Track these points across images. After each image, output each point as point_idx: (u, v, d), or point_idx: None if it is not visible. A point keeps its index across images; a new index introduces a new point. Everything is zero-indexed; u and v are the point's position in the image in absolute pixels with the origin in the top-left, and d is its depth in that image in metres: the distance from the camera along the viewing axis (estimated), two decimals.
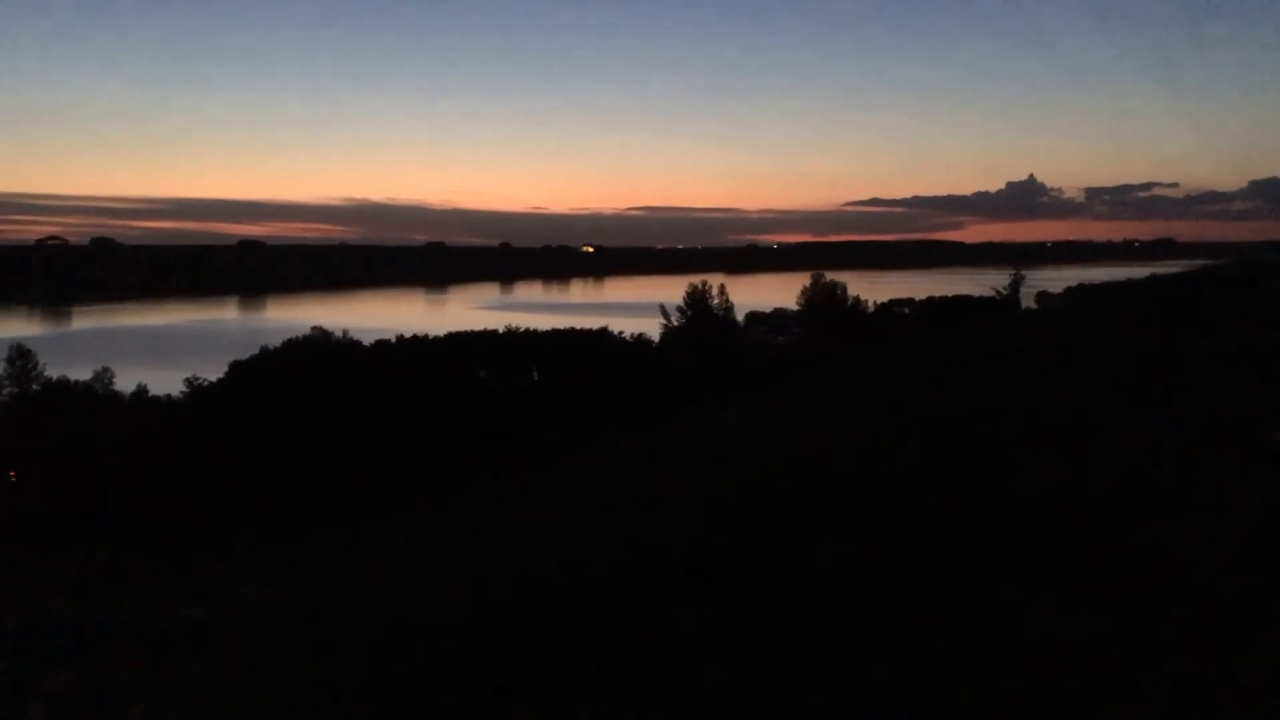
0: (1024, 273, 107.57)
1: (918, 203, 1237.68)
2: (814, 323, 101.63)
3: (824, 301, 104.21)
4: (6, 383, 71.53)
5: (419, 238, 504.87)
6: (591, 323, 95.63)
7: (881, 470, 10.31)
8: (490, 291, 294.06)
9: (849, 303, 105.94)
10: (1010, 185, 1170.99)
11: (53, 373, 72.25)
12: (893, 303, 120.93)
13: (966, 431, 11.11)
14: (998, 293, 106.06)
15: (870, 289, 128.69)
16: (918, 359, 22.60)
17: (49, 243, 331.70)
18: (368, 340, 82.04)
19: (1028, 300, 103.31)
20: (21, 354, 73.01)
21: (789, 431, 16.64)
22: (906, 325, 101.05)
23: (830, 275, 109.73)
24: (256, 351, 74.18)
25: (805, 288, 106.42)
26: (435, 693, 6.93)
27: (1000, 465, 9.32)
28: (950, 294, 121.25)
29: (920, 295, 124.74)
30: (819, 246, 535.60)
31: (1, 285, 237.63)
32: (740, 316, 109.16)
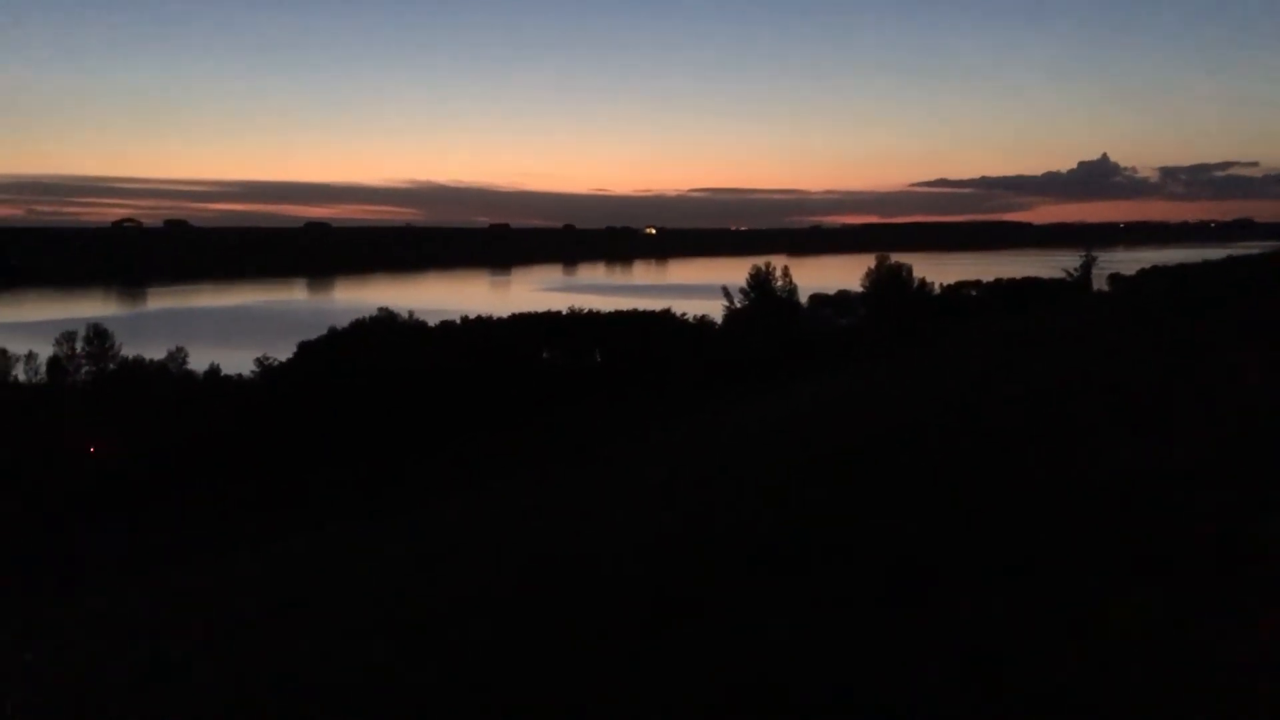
0: (1095, 254, 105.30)
1: (986, 183, 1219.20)
2: (879, 305, 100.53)
3: (889, 283, 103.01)
4: (85, 362, 73.47)
5: (483, 219, 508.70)
6: (654, 304, 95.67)
7: (956, 450, 10.15)
8: (553, 273, 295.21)
9: (915, 285, 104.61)
10: (1082, 165, 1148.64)
11: (129, 352, 74.04)
12: (960, 284, 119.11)
13: (1037, 412, 10.90)
14: (1069, 274, 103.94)
15: (936, 271, 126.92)
16: (986, 340, 22.26)
17: (125, 225, 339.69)
18: (433, 321, 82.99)
19: (1099, 282, 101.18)
20: (99, 334, 74.93)
21: (853, 413, 16.48)
22: (974, 307, 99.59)
23: (895, 257, 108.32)
24: (324, 332, 75.39)
25: (870, 269, 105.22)
26: (495, 665, 6.96)
27: (1080, 445, 9.12)
28: (1019, 276, 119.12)
29: (988, 277, 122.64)
30: (884, 228, 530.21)
31: (79, 266, 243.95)
32: (804, 298, 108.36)
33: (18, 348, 73.67)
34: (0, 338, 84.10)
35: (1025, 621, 5.72)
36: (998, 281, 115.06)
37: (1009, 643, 5.51)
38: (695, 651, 6.29)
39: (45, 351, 73.88)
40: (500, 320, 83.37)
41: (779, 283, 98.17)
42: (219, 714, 7.93)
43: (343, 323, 78.60)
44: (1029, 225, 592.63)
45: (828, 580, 7.02)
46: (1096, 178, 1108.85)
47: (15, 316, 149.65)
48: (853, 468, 10.68)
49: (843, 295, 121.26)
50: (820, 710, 5.23)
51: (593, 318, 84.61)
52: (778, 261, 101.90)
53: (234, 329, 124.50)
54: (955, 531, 7.50)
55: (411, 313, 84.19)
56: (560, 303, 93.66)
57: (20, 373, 71.42)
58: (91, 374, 71.70)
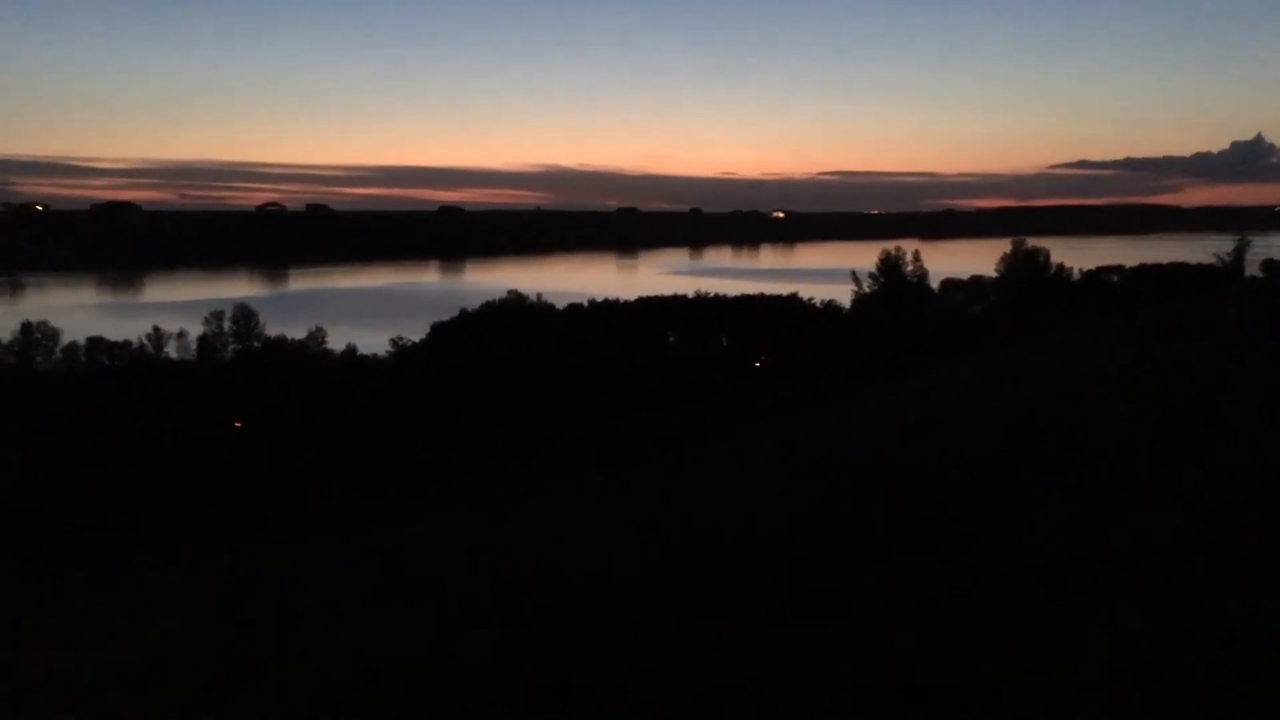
0: (1249, 239, 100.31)
1: (1130, 164, 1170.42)
2: (1014, 290, 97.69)
3: (1025, 269, 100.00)
4: (232, 340, 76.82)
5: (611, 203, 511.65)
6: (781, 289, 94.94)
7: (1102, 439, 9.79)
8: (680, 257, 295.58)
9: (1052, 270, 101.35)
10: (1235, 145, 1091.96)
11: (272, 331, 77.10)
12: (1100, 270, 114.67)
13: (1178, 409, 10.42)
14: (1220, 260, 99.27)
15: (1076, 256, 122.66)
16: (1127, 328, 21.39)
17: (269, 209, 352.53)
18: (561, 304, 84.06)
19: (1252, 268, 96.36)
20: (245, 313, 78.26)
21: (986, 402, 16.04)
22: (1116, 293, 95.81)
23: (1032, 241, 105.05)
24: (456, 314, 77.15)
25: (1005, 254, 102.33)
26: (622, 633, 7.01)
27: (1228, 443, 8.70)
28: (1165, 261, 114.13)
29: (1131, 262, 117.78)
30: (1021, 211, 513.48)
31: (227, 248, 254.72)
32: (935, 284, 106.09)
33: (170, 326, 77.44)
34: (154, 316, 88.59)
35: (1180, 630, 5.48)
36: (1142, 267, 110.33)
37: (1165, 651, 5.28)
38: (834, 635, 6.22)
39: (195, 330, 77.49)
40: (627, 303, 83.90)
41: (909, 267, 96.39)
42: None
43: (473, 304, 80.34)
44: (1177, 208, 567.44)
45: (968, 571, 6.84)
46: (1250, 159, 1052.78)
47: (168, 296, 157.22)
48: (986, 458, 10.40)
49: (976, 281, 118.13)
50: (965, 709, 5.11)
51: (719, 302, 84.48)
52: (908, 246, 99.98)
53: (370, 310, 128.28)
54: (1098, 529, 7.23)
55: (540, 295, 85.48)
56: (686, 286, 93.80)
57: (173, 350, 75.08)
58: (237, 351, 74.93)
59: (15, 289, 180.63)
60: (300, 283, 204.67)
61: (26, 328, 72.38)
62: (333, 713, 7.32)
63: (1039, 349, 24.19)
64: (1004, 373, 19.73)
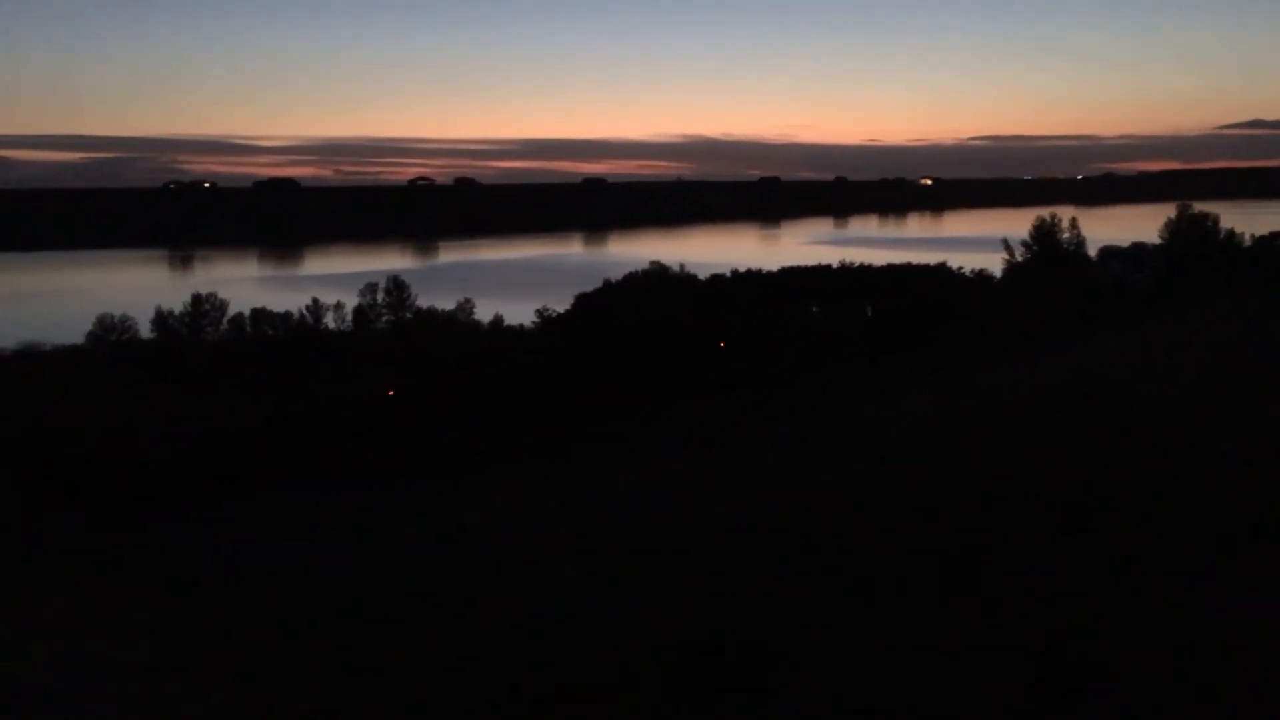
0: None
1: None
2: (1178, 258, 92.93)
3: (1191, 235, 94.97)
4: (385, 311, 79.45)
5: (754, 173, 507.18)
6: (928, 258, 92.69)
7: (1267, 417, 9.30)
8: (824, 226, 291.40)
9: (1221, 236, 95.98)
10: None
11: (423, 302, 79.46)
12: (1273, 235, 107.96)
13: None
14: None
15: (1247, 221, 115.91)
16: None
17: (419, 183, 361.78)
18: (703, 274, 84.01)
19: None
20: (398, 285, 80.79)
21: (1150, 375, 15.39)
22: None
23: (1199, 206, 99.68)
24: (599, 285, 77.99)
25: (1169, 220, 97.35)
26: (786, 589, 7.01)
27: None
28: None
29: None
30: (1186, 174, 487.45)
31: (379, 222, 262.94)
32: (1092, 252, 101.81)
33: (328, 298, 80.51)
34: (313, 288, 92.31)
35: None
36: None
37: None
38: (1001, 598, 6.12)
39: (351, 301, 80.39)
40: (769, 274, 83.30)
41: (1065, 235, 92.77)
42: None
43: (616, 275, 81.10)
44: None
45: (1136, 542, 6.62)
46: None
47: (325, 269, 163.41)
48: (1150, 432, 10.00)
49: (1137, 248, 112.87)
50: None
51: (863, 271, 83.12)
52: (1064, 212, 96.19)
53: (516, 281, 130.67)
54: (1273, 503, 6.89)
55: (682, 266, 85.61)
56: (830, 256, 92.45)
57: (330, 320, 78.12)
58: (391, 322, 77.48)
59: (185, 262, 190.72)
60: (449, 255, 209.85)
61: (196, 299, 76.29)
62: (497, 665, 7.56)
63: (1203, 319, 23.05)
64: (1166, 344, 18.87)
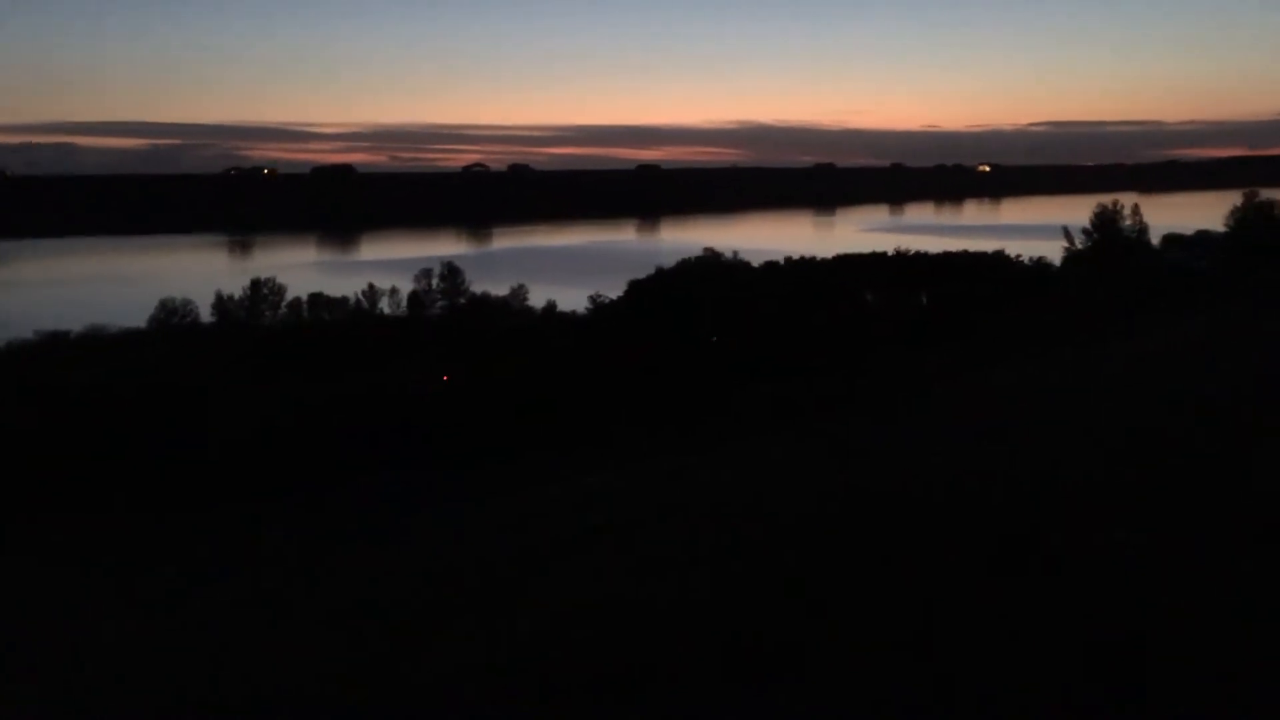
0: None
1: None
2: (1244, 246, 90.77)
3: (1258, 222, 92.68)
4: (439, 296, 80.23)
5: (808, 159, 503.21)
6: (986, 246, 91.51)
7: None
8: (879, 213, 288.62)
9: None
10: None
11: (477, 288, 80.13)
12: None
13: None
14: None
15: None
16: None
17: (473, 169, 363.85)
18: (756, 261, 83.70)
19: None
20: (452, 271, 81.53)
21: (1211, 361, 15.10)
22: None
23: (1266, 193, 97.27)
24: (652, 271, 78.00)
25: (1235, 207, 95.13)
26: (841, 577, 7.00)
27: None
28: None
29: None
30: (1253, 161, 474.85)
31: (434, 208, 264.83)
32: (1155, 240, 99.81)
33: (383, 283, 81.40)
34: (369, 274, 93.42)
35: None
36: None
37: None
38: (1052, 591, 6.07)
39: (406, 286, 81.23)
40: (823, 261, 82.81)
41: (1127, 222, 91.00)
42: None
43: (669, 262, 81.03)
44: None
45: (1200, 524, 6.52)
46: None
47: (381, 254, 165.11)
48: (1217, 417, 9.82)
49: (1202, 236, 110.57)
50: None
51: (919, 259, 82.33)
52: (1126, 199, 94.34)
53: (569, 267, 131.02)
54: None
55: (735, 253, 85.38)
56: (885, 243, 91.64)
57: (385, 305, 79.03)
58: (445, 308, 78.24)
59: (245, 247, 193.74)
60: (503, 241, 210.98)
61: (255, 284, 77.54)
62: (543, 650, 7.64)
63: (1268, 308, 22.54)
64: (1228, 331, 18.50)
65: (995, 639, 5.69)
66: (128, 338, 68.20)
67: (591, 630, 7.90)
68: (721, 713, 5.70)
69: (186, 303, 73.69)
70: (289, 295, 77.42)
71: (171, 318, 72.20)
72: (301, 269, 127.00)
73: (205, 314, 74.55)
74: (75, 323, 69.69)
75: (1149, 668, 5.01)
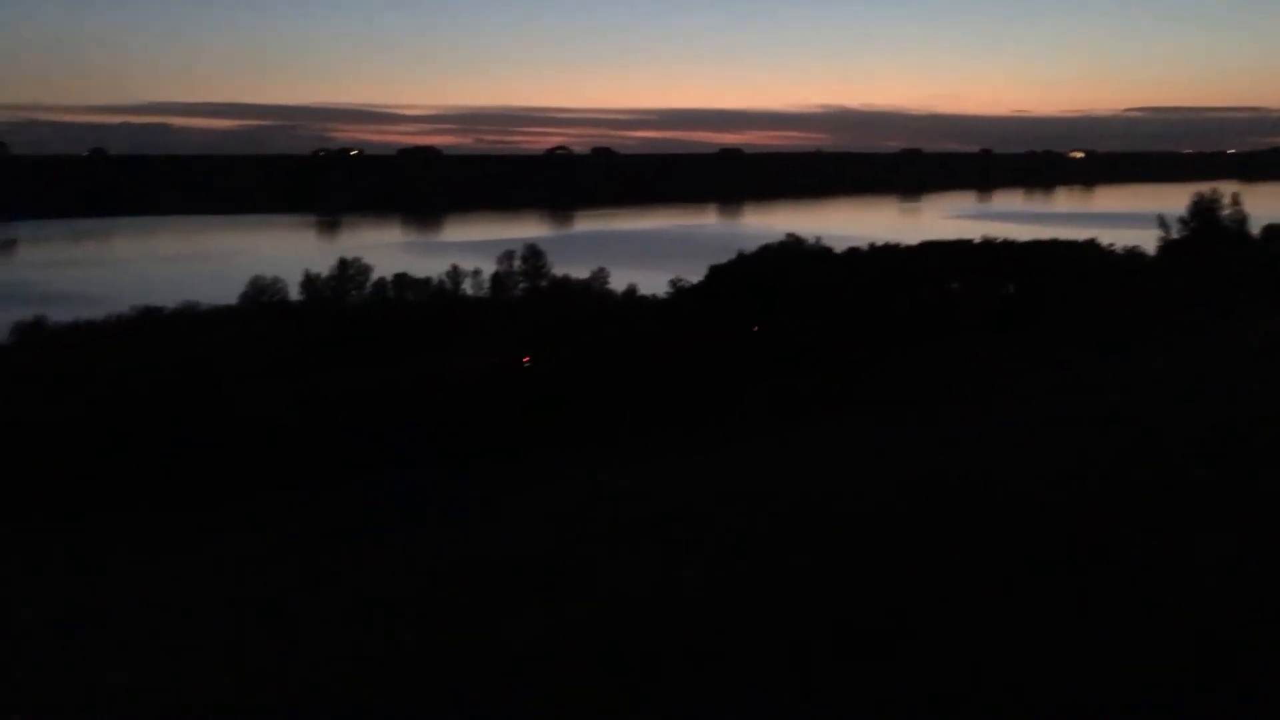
0: None
1: None
2: None
3: None
4: (521, 278, 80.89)
5: (894, 144, 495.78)
6: (1077, 234, 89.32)
7: None
8: (966, 200, 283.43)
9: None
10: None
11: (558, 271, 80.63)
12: None
13: None
14: None
15: None
16: None
17: (557, 153, 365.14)
18: (840, 247, 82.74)
19: None
20: (534, 253, 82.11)
21: None
22: None
23: None
24: (733, 256, 77.60)
25: None
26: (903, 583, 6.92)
27: None
28: None
29: None
30: None
31: (517, 190, 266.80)
32: (1256, 230, 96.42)
33: (467, 264, 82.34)
34: (453, 255, 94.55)
35: None
36: None
37: None
38: (1122, 589, 5.91)
39: (489, 268, 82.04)
40: (908, 248, 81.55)
41: (1226, 211, 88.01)
42: None
43: (751, 247, 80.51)
44: None
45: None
46: None
47: (464, 236, 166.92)
48: None
49: None
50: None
51: (1007, 247, 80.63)
52: (1225, 188, 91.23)
53: (650, 251, 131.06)
54: None
55: (818, 238, 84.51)
56: (972, 231, 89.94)
57: (469, 286, 79.98)
58: (526, 289, 78.90)
59: (332, 227, 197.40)
60: (585, 224, 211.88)
61: (342, 264, 78.98)
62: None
63: None
64: None
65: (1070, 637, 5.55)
66: (219, 314, 70.02)
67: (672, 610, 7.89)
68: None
69: (276, 281, 75.39)
70: (374, 275, 78.72)
71: (261, 295, 73.93)
72: (387, 249, 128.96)
73: (294, 292, 76.13)
74: (170, 299, 71.77)
75: (1238, 666, 4.85)
